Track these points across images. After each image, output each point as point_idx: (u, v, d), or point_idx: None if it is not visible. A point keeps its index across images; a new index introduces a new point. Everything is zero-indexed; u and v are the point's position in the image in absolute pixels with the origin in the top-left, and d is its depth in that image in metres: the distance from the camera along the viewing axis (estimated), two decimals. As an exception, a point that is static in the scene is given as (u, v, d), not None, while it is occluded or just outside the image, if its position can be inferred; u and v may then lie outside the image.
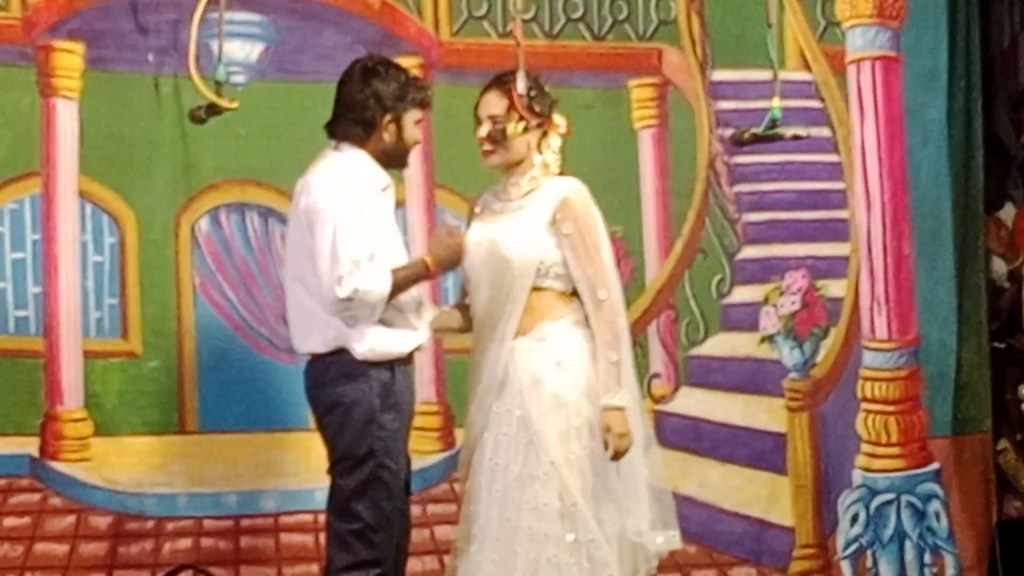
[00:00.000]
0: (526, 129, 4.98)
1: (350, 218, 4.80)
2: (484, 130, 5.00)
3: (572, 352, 4.98)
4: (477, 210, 5.14)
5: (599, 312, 4.94)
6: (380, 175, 4.97)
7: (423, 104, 5.05)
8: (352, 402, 4.87)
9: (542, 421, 4.91)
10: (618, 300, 5.02)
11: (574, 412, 4.96)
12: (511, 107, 4.96)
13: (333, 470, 4.96)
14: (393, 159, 5.03)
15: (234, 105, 4.93)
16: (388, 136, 4.97)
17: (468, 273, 5.08)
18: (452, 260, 5.01)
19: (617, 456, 4.88)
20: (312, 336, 4.95)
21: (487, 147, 5.01)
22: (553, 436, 4.91)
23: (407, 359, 4.99)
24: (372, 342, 4.87)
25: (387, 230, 4.96)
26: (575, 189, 5.02)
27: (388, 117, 4.96)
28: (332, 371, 4.92)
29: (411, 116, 5.00)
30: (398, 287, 4.85)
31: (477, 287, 5.04)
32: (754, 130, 5.42)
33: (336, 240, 4.77)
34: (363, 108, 4.96)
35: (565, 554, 4.91)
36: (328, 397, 4.94)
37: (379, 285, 4.80)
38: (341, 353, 4.89)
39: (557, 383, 4.94)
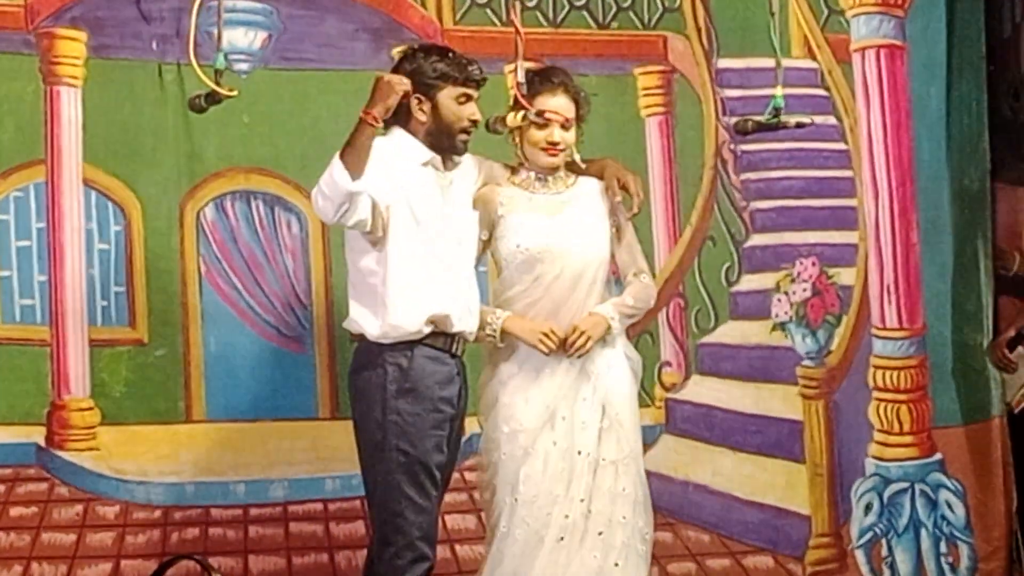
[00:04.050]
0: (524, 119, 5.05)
1: None
2: (559, 133, 5.05)
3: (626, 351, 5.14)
4: (501, 203, 5.09)
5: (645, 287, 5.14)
6: (420, 151, 4.94)
7: (460, 81, 4.94)
8: (369, 390, 4.85)
9: (625, 409, 5.04)
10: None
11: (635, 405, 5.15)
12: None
13: (360, 459, 4.95)
14: (439, 140, 4.96)
15: (233, 93, 4.89)
16: (423, 116, 4.93)
17: (532, 266, 5.03)
18: None
19: (568, 346, 4.93)
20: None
21: (559, 147, 5.06)
22: (632, 424, 5.06)
23: (434, 342, 4.90)
24: (381, 320, 4.84)
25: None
26: None
27: (417, 96, 4.91)
28: (357, 359, 4.94)
29: (447, 93, 4.92)
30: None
31: (544, 277, 5.03)
32: (757, 118, 5.40)
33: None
34: None
35: (636, 541, 5.01)
36: (352, 386, 4.96)
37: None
38: (361, 339, 4.90)
39: (628, 376, 5.09)
